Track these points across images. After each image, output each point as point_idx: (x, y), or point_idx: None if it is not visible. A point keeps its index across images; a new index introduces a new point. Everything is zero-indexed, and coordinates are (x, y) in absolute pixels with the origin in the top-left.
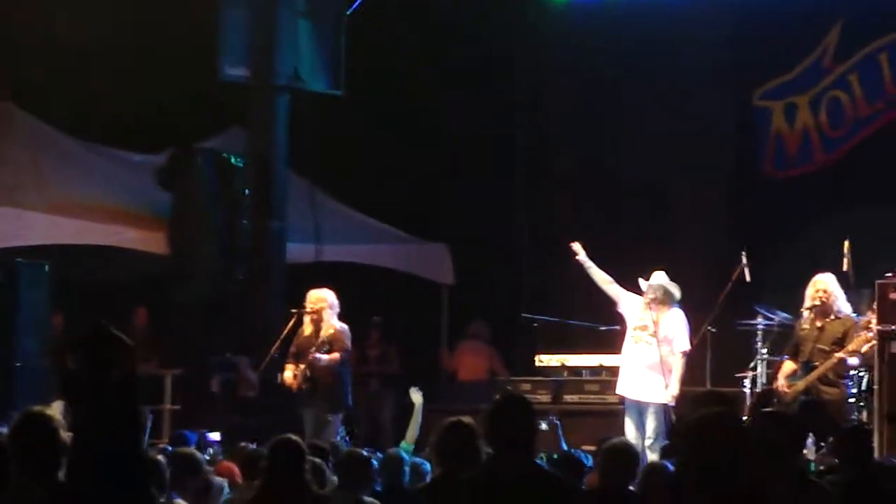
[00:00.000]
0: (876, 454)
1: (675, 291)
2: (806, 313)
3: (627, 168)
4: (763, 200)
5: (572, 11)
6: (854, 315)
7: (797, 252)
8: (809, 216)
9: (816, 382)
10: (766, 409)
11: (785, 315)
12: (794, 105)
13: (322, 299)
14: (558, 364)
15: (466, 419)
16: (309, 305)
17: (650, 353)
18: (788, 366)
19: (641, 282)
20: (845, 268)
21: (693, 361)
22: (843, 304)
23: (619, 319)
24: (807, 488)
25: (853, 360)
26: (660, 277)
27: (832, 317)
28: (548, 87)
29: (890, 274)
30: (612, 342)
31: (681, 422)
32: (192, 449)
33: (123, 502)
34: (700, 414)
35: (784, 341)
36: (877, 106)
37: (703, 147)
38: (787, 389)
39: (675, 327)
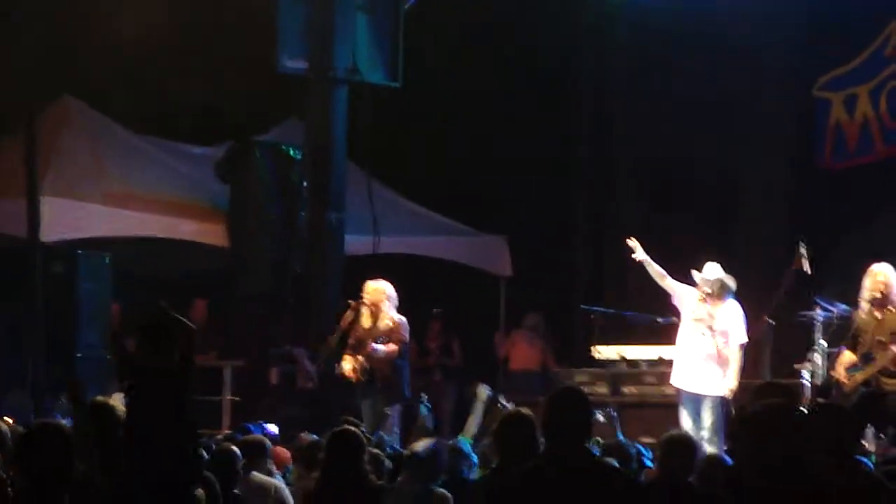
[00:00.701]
0: None
1: (731, 283)
2: (864, 304)
3: (687, 160)
4: (823, 192)
5: (633, 3)
6: None
7: (856, 243)
8: (869, 207)
9: (877, 374)
10: (825, 401)
11: (844, 307)
12: (854, 96)
13: (380, 291)
14: (616, 356)
15: (525, 411)
16: (367, 297)
17: (706, 344)
18: (847, 356)
19: (695, 274)
20: None
21: (752, 353)
22: None
23: (676, 312)
24: (865, 480)
25: None
26: (715, 270)
27: (891, 307)
28: (607, 78)
29: None
30: (669, 334)
31: (741, 413)
32: (260, 436)
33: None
34: (761, 405)
35: (843, 333)
36: None
37: (763, 139)
38: (846, 380)
39: (732, 320)
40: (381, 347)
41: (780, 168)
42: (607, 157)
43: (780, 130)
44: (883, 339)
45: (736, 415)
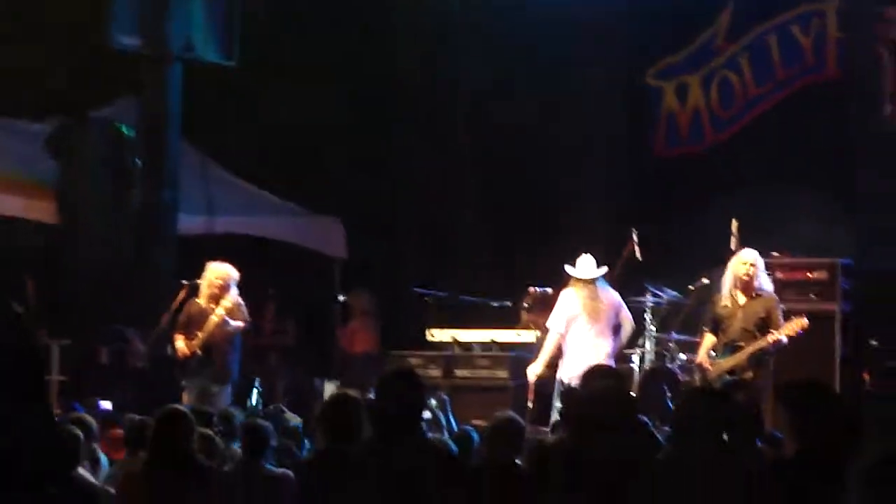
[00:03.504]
0: None
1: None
2: (726, 289)
3: (519, 146)
4: (654, 179)
5: None
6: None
7: (687, 230)
8: (699, 195)
9: (743, 362)
10: (695, 386)
11: (673, 293)
12: (686, 84)
13: (226, 274)
14: (449, 339)
15: (351, 392)
16: (212, 279)
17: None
18: (709, 339)
19: (571, 268)
20: (733, 247)
21: None
22: (764, 281)
23: (510, 295)
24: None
25: (784, 339)
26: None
27: (753, 294)
28: (438, 59)
29: (775, 254)
30: (503, 318)
31: (570, 396)
32: (84, 414)
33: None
34: (589, 388)
35: (672, 319)
36: (766, 87)
37: (594, 126)
38: (709, 366)
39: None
40: (233, 322)
41: (612, 155)
42: (440, 142)
43: (613, 119)
44: (748, 327)
45: (565, 399)
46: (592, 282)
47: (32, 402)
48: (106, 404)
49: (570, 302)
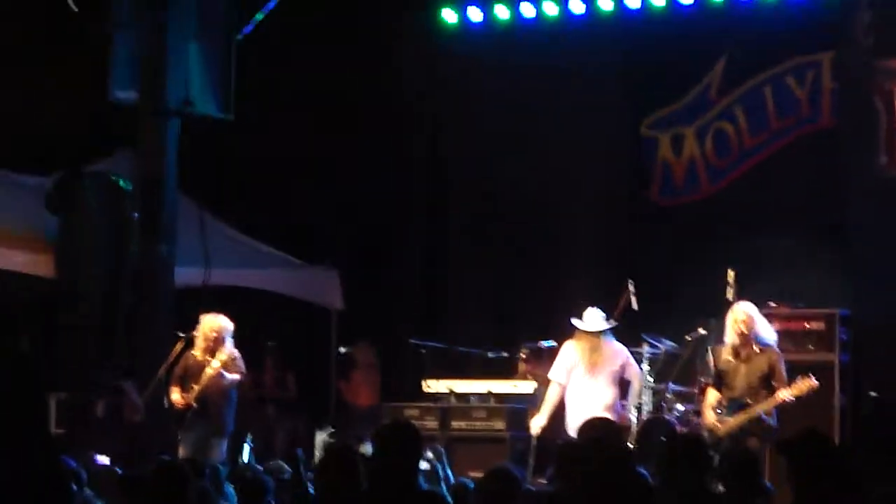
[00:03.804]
0: None
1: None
2: (728, 343)
3: (519, 196)
4: (650, 229)
5: (462, 37)
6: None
7: (683, 280)
8: (695, 245)
9: (750, 420)
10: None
11: (670, 343)
12: (681, 135)
13: (220, 326)
14: (446, 390)
15: (346, 446)
16: (207, 332)
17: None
18: (712, 395)
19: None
20: (730, 296)
21: None
22: (765, 333)
23: (507, 346)
24: None
25: (791, 399)
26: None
27: (754, 348)
28: (441, 111)
29: (773, 304)
30: (499, 369)
31: (565, 449)
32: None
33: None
34: (582, 440)
35: (670, 369)
36: (761, 137)
37: (590, 176)
38: (718, 424)
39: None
40: (229, 375)
41: (608, 206)
42: (440, 195)
43: (608, 169)
44: (754, 385)
45: (560, 450)
46: (598, 334)
47: (35, 436)
48: (104, 459)
49: (570, 353)
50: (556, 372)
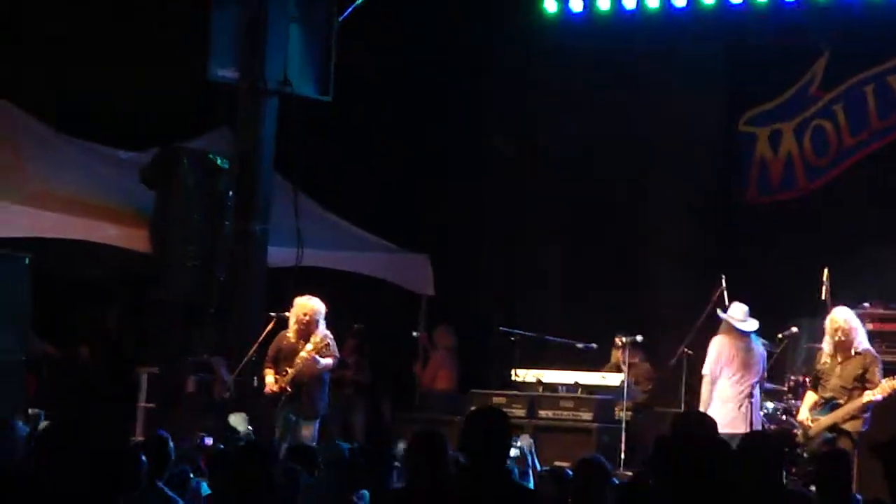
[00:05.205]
0: None
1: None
2: (826, 347)
3: (608, 188)
4: (744, 225)
5: (560, 27)
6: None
7: (777, 277)
8: (790, 242)
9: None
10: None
11: (764, 341)
12: (780, 132)
13: (315, 309)
14: (534, 379)
15: (435, 430)
16: (300, 314)
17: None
18: (810, 397)
19: (735, 320)
20: (823, 295)
21: (669, 383)
22: (862, 338)
23: (596, 337)
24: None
25: (879, 398)
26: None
27: (852, 352)
28: (529, 101)
29: (867, 304)
30: (588, 360)
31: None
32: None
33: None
34: (679, 434)
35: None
36: (861, 137)
37: (686, 171)
38: (810, 423)
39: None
40: (322, 360)
41: (703, 201)
42: (527, 185)
43: (705, 164)
44: (846, 385)
45: (654, 444)
46: (748, 334)
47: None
48: (209, 441)
49: (722, 349)
50: (709, 367)
